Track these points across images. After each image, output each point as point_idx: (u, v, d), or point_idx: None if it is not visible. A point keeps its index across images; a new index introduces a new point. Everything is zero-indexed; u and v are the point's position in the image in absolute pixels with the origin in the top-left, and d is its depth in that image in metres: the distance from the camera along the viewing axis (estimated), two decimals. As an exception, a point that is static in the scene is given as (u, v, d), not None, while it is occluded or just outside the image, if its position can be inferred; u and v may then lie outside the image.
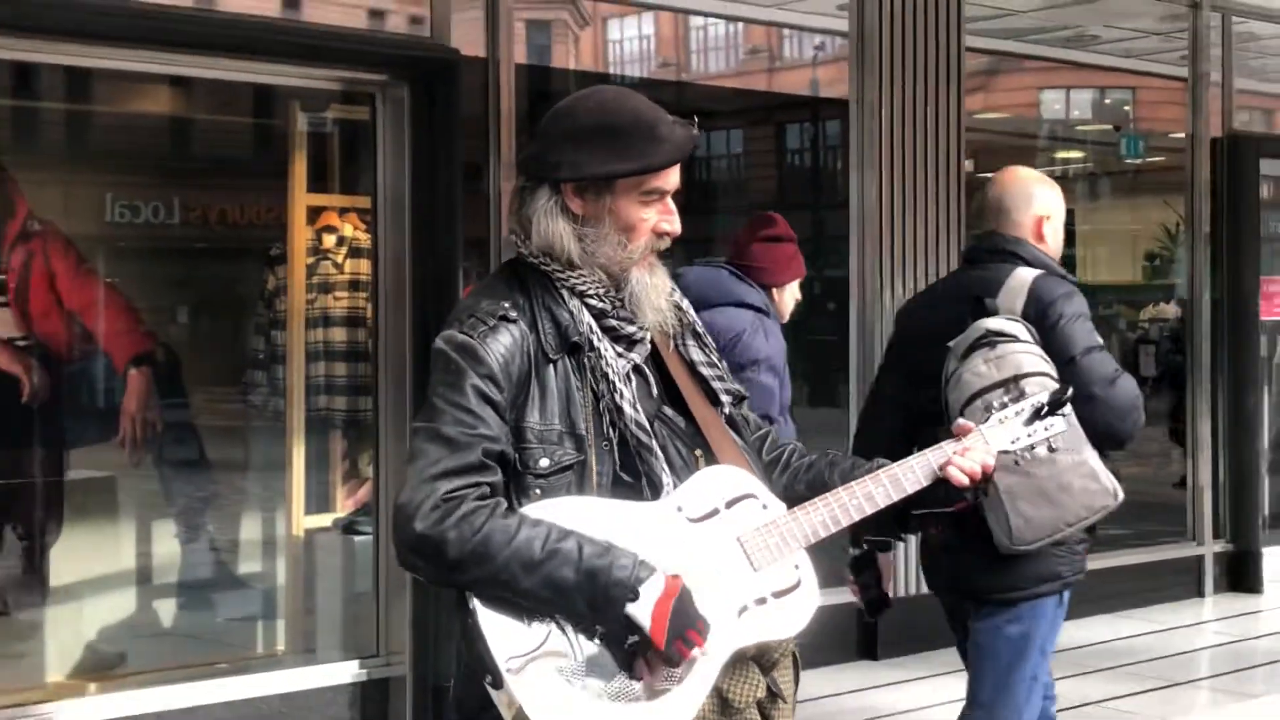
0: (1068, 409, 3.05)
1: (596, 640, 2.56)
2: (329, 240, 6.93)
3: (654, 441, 2.71)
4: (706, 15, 9.11)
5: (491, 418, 2.62)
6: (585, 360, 2.72)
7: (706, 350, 2.91)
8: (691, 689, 2.60)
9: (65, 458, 6.63)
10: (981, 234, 4.52)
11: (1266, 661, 7.92)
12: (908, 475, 2.84)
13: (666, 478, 2.69)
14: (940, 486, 2.88)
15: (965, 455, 2.87)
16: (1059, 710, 6.72)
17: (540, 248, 2.75)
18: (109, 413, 6.58)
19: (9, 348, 6.32)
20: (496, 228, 6.61)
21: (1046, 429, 2.99)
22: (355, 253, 6.86)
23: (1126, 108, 11.14)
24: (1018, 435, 2.98)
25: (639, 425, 2.70)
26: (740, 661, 2.69)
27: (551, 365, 2.70)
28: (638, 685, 2.56)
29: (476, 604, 2.55)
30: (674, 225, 2.80)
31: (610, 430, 2.70)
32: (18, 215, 6.41)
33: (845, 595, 7.60)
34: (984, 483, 2.91)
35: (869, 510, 2.80)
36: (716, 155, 11.37)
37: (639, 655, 2.55)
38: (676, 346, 2.87)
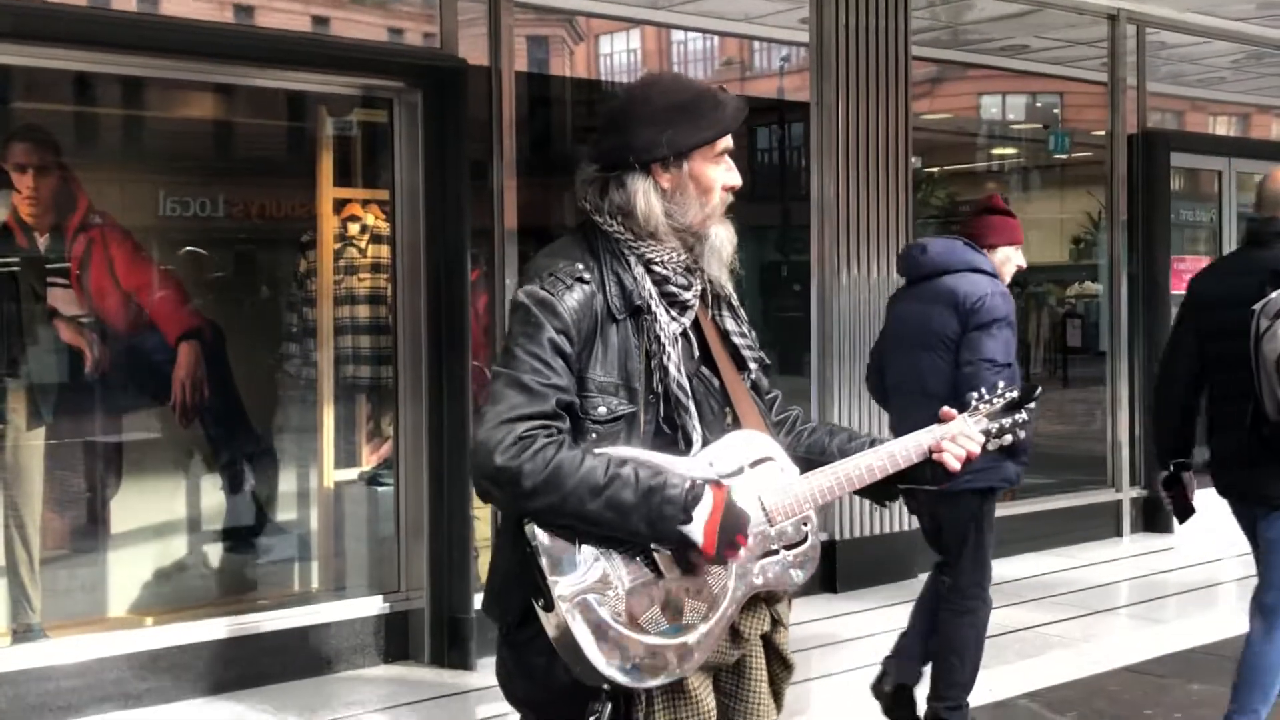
0: (1033, 403, 2.98)
1: (650, 552, 2.58)
2: (353, 228, 6.91)
3: (690, 400, 2.71)
4: (686, 30, 9.09)
5: (563, 369, 2.61)
6: (643, 322, 2.70)
7: (739, 320, 2.89)
8: (713, 624, 2.64)
9: (123, 420, 6.61)
10: (1263, 219, 4.93)
11: (1176, 592, 7.96)
12: (901, 452, 2.83)
13: (696, 434, 2.70)
14: (927, 465, 2.86)
15: (955, 441, 2.84)
16: (993, 636, 6.78)
17: (644, 226, 2.73)
18: (162, 381, 6.56)
19: (72, 324, 6.30)
20: (500, 218, 6.61)
21: (1014, 420, 2.94)
22: (376, 239, 6.85)
23: (1056, 111, 11.12)
24: (991, 424, 2.93)
25: (679, 385, 2.70)
26: (753, 600, 2.73)
27: (615, 324, 2.69)
28: (672, 621, 2.59)
29: (538, 536, 2.56)
30: (737, 179, 2.79)
31: (658, 386, 2.70)
32: (79, 209, 6.37)
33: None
34: (969, 466, 2.88)
35: (869, 480, 2.80)
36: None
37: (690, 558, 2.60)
38: (713, 316, 2.85)
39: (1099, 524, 9.43)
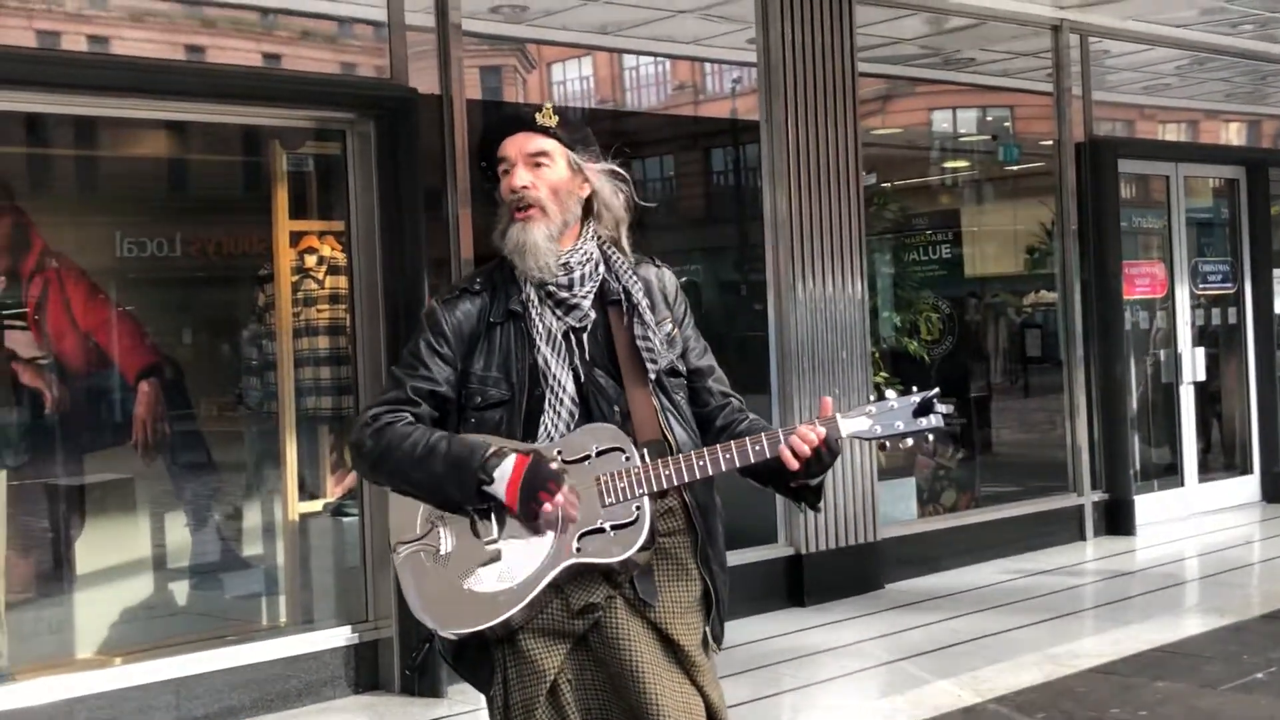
0: (945, 408, 3.08)
1: (473, 519, 2.96)
2: (310, 260, 6.92)
3: (554, 392, 3.03)
4: (638, 54, 9.14)
5: (436, 365, 3.08)
6: (524, 325, 3.08)
7: (646, 328, 3.12)
8: (521, 590, 2.95)
9: (85, 460, 6.59)
10: None
11: (1140, 593, 8.01)
12: (754, 447, 3.01)
13: (550, 425, 3.02)
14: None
15: (789, 439, 3.00)
16: (959, 643, 6.85)
17: (501, 244, 3.13)
18: (123, 420, 6.56)
19: (31, 366, 6.29)
20: (456, 248, 6.61)
21: (920, 424, 3.05)
22: (334, 270, 6.86)
23: (1006, 123, 11.21)
24: (880, 425, 3.05)
25: (544, 376, 3.04)
26: (586, 572, 2.98)
27: (498, 328, 3.10)
28: (484, 578, 2.95)
29: (390, 496, 3.05)
30: (512, 182, 3.10)
31: (542, 380, 3.06)
32: (34, 250, 6.38)
33: (775, 552, 7.71)
34: (815, 463, 3.00)
35: (712, 472, 3.01)
36: (652, 179, 11.41)
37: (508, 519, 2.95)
38: (629, 324, 3.13)
39: (1062, 528, 9.50)
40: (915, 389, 3.09)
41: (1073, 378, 9.73)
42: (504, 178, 3.11)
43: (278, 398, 6.80)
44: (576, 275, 3.10)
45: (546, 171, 3.10)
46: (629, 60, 9.32)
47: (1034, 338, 11.22)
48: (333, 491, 7.12)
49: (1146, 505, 9.95)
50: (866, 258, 8.34)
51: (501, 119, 3.19)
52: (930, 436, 3.08)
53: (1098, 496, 9.73)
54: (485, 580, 2.94)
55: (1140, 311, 10.53)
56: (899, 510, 8.74)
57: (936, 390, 3.08)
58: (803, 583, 7.68)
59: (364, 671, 6.31)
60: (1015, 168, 10.80)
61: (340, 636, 6.30)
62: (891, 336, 9.48)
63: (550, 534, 2.95)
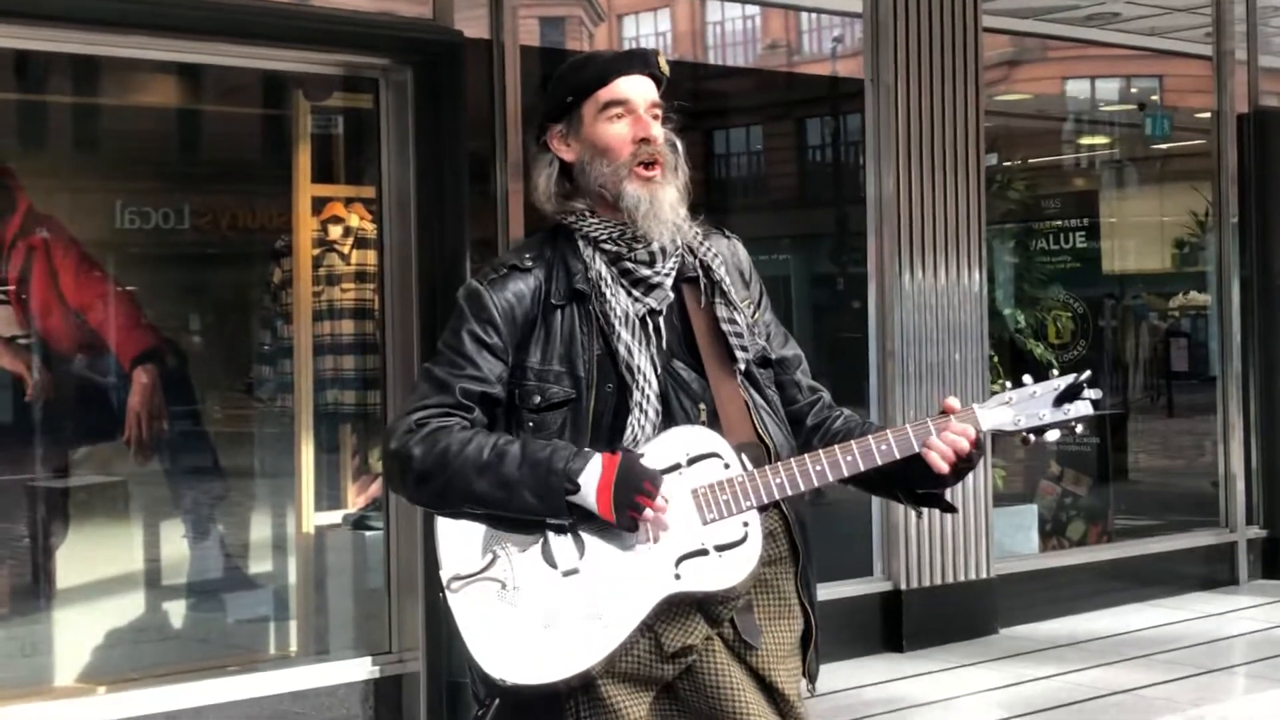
0: (1094, 394, 3.05)
1: (547, 543, 2.86)
2: (335, 231, 6.93)
3: (640, 385, 2.93)
4: (723, 1, 9.09)
5: (485, 360, 2.96)
6: (592, 307, 2.99)
7: (732, 309, 3.08)
8: (615, 629, 2.84)
9: (69, 458, 6.61)
10: None
11: (1304, 648, 7.85)
12: (880, 446, 2.96)
13: (637, 427, 2.92)
14: (921, 463, 2.97)
15: (943, 435, 2.95)
16: (1088, 699, 6.71)
17: (553, 204, 3.08)
18: (115, 413, 6.56)
19: (9, 346, 6.31)
20: (504, 227, 6.55)
21: (1066, 412, 3.01)
22: (362, 244, 6.86)
23: (1155, 94, 11.05)
24: (1024, 416, 3.01)
25: (628, 368, 2.94)
26: (680, 606, 2.88)
27: (559, 310, 3.00)
28: (566, 616, 2.82)
29: (439, 524, 2.91)
30: (648, 131, 3.03)
31: (622, 371, 2.96)
32: (18, 212, 6.39)
33: (870, 586, 7.63)
34: (964, 463, 2.97)
35: (832, 478, 2.95)
36: (736, 152, 11.33)
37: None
38: (706, 304, 3.08)
39: (1211, 570, 9.34)
40: (1054, 372, 3.05)
41: (1227, 395, 9.56)
42: (613, 121, 3.03)
43: (293, 391, 6.78)
44: (656, 248, 3.04)
45: (661, 130, 3.08)
46: (713, 12, 9.27)
47: (1180, 348, 11.06)
48: (354, 501, 7.12)
49: (1313, 546, 9.75)
50: (986, 246, 8.22)
51: (627, 53, 3.13)
52: (1079, 427, 3.02)
53: (1254, 533, 9.56)
54: (569, 618, 2.84)
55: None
56: (1017, 542, 8.64)
57: (1088, 373, 3.04)
58: (901, 624, 7.58)
59: (385, 710, 6.27)
60: (1164, 145, 10.67)
61: (359, 669, 6.26)
62: (1014, 338, 9.37)
63: (642, 557, 2.85)
